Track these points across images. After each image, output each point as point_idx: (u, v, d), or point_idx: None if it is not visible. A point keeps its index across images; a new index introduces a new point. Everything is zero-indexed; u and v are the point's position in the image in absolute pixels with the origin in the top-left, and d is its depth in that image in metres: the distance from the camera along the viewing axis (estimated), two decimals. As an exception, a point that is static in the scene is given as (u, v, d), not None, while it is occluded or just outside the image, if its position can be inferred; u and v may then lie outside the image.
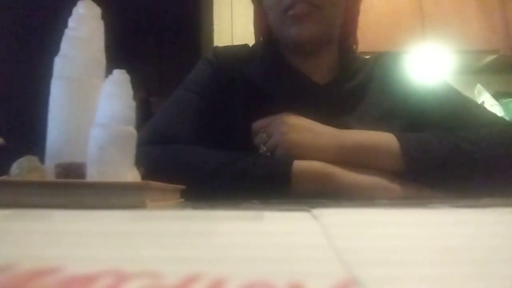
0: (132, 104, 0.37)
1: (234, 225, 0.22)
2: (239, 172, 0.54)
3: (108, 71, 0.38)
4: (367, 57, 0.75)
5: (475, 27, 1.92)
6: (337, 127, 0.57)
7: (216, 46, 0.76)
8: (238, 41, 0.86)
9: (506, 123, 0.65)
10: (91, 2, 0.43)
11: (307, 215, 0.23)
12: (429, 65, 1.97)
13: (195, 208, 0.35)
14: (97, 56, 0.42)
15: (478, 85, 1.99)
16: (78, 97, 0.40)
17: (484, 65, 2.06)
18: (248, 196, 0.48)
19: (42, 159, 0.37)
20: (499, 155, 0.55)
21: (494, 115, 0.67)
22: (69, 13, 0.42)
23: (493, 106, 1.86)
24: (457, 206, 0.34)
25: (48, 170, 0.36)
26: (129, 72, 0.38)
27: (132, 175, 0.35)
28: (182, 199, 0.45)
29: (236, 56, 0.71)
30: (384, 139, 0.56)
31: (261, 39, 0.74)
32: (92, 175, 0.34)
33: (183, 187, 0.44)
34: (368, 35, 0.87)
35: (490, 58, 1.99)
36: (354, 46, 0.75)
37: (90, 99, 0.39)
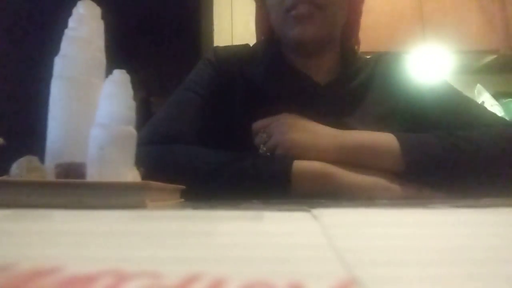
0: (132, 104, 0.37)
1: (234, 225, 0.22)
2: (239, 172, 0.54)
3: (108, 71, 0.39)
4: (368, 57, 0.75)
5: (475, 27, 1.92)
6: (338, 127, 0.57)
7: (217, 46, 0.76)
8: (238, 41, 0.86)
9: (506, 123, 0.65)
10: (91, 2, 0.43)
11: (307, 215, 0.23)
12: (429, 65, 1.97)
13: (195, 208, 0.35)
14: (97, 56, 0.42)
15: (478, 85, 1.99)
16: (78, 97, 0.40)
17: (484, 65, 2.06)
18: (248, 196, 0.48)
19: (42, 159, 0.37)
20: (499, 155, 0.55)
21: (494, 115, 0.67)
22: (69, 13, 0.42)
23: (493, 106, 1.86)
24: (457, 206, 0.34)
25: (48, 170, 0.36)
26: (129, 72, 0.38)
27: (132, 175, 0.35)
28: (182, 199, 0.45)
29: (236, 56, 0.71)
30: (384, 139, 0.56)
31: (263, 39, 0.74)
32: (92, 175, 0.34)
33: (183, 187, 0.44)
34: (368, 35, 0.87)
35: (490, 58, 1.99)
36: (356, 47, 0.75)
37: (90, 99, 0.39)
